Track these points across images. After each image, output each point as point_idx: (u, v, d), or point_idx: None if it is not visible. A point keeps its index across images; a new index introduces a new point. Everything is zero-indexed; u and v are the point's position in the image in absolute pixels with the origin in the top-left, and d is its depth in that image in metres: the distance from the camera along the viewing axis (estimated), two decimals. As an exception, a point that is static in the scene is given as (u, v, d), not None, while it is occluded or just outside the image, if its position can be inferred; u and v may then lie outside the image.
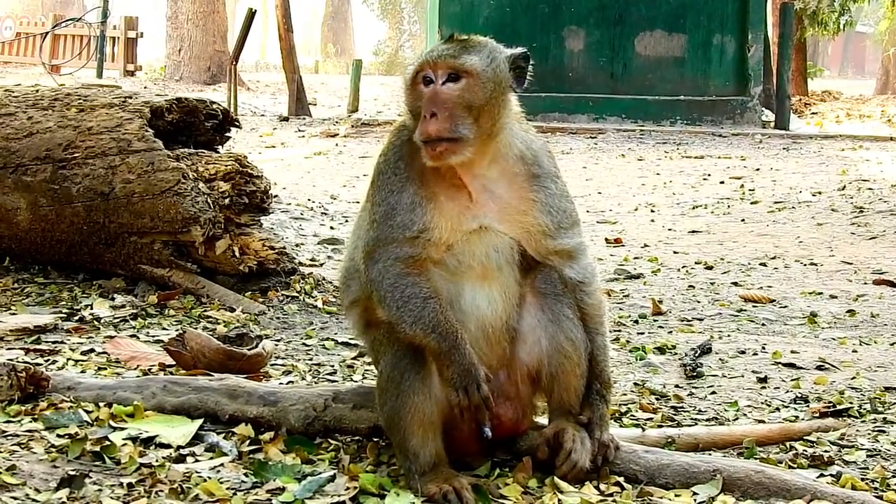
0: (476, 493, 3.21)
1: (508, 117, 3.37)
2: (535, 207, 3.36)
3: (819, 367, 5.08)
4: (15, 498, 3.06)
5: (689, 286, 7.21)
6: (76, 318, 5.47)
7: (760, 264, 8.10)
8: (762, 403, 4.46)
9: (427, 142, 3.21)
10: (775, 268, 7.99)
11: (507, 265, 3.37)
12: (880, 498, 3.29)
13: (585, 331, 3.43)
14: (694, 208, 11.13)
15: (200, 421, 3.75)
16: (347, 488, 3.25)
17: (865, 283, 7.41)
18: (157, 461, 3.40)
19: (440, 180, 3.31)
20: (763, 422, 4.17)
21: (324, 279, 6.44)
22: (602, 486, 3.34)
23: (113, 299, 5.83)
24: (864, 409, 4.34)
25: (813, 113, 26.16)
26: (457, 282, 3.35)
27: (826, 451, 3.76)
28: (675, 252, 8.67)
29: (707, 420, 4.20)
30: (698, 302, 6.74)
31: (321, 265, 7.25)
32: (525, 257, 3.41)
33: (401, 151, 3.37)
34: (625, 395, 4.52)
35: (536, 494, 3.29)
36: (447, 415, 3.30)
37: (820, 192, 11.83)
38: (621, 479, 3.39)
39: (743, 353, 5.36)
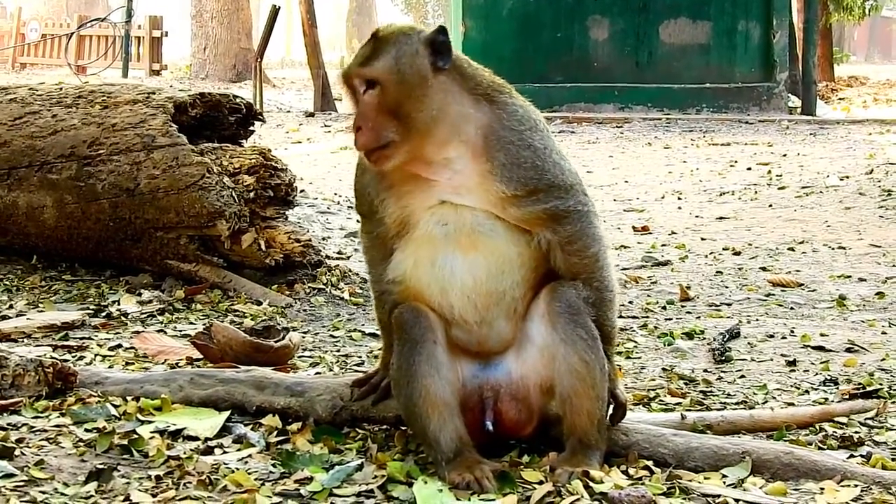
0: (503, 479, 3.20)
1: (450, 96, 3.27)
2: (491, 176, 3.26)
3: (848, 350, 5.06)
4: (44, 492, 3.07)
5: (717, 272, 7.18)
6: (103, 314, 5.49)
7: (788, 249, 8.06)
8: (791, 386, 4.44)
9: (364, 153, 3.26)
10: (803, 252, 7.95)
11: (488, 235, 3.30)
12: (911, 478, 3.27)
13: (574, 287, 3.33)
14: (721, 195, 11.07)
15: (228, 413, 3.76)
16: (375, 476, 3.25)
17: (894, 266, 7.36)
18: (184, 453, 3.40)
19: (396, 169, 3.32)
20: (793, 404, 4.14)
21: (350, 271, 6.43)
22: (631, 471, 3.32)
23: (140, 295, 5.85)
24: (894, 390, 4.32)
25: (840, 98, 26.00)
26: (437, 251, 3.32)
27: (856, 432, 3.74)
28: (702, 238, 8.63)
29: (736, 404, 4.18)
30: (726, 287, 6.71)
31: (348, 258, 7.25)
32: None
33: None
34: (653, 380, 4.50)
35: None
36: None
37: (847, 177, 11.75)
38: (650, 463, 3.37)
39: (771, 336, 5.33)
